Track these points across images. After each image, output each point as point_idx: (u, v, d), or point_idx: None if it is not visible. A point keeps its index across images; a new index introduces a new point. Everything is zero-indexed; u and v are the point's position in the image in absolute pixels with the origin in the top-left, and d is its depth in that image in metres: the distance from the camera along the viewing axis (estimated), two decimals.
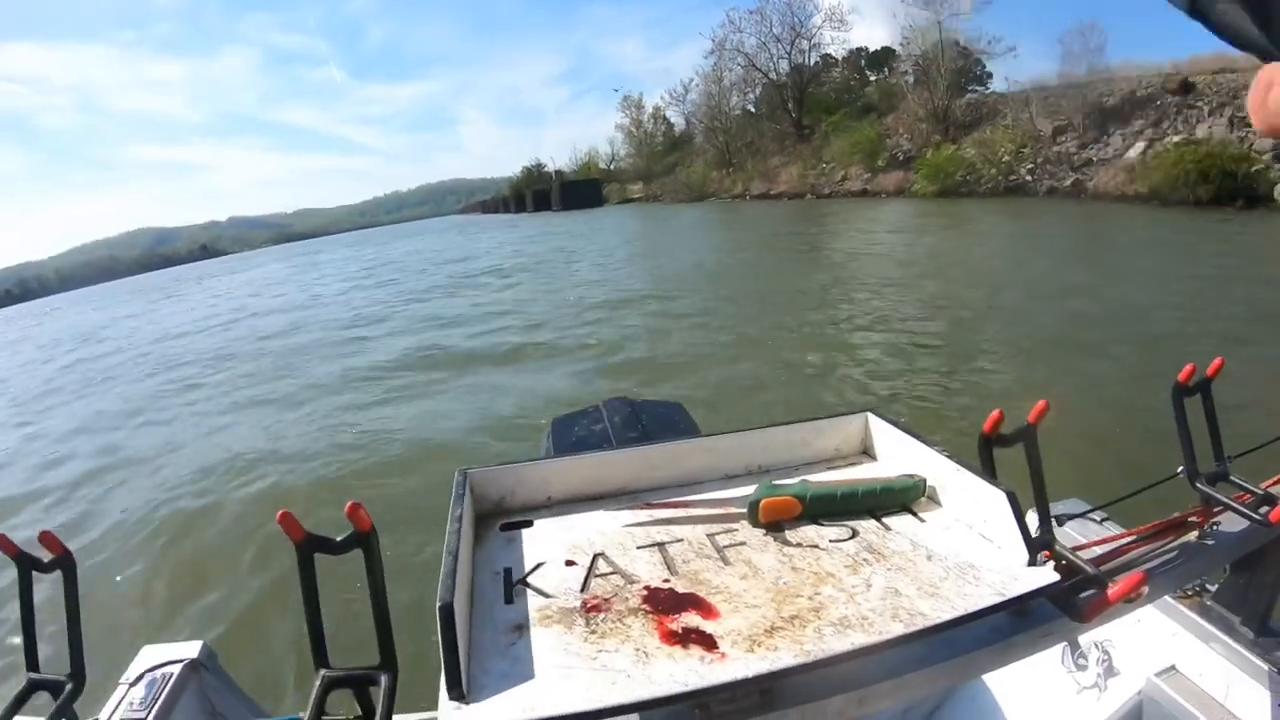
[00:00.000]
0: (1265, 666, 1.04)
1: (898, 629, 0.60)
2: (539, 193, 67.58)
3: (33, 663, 0.70)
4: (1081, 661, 1.29)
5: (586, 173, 65.94)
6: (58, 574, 0.71)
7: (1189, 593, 1.16)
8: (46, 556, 0.70)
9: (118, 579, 4.17)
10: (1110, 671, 1.24)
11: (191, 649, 0.89)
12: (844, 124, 35.01)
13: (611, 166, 64.07)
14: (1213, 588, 1.14)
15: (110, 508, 5.47)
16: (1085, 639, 1.28)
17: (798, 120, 40.37)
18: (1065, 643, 1.30)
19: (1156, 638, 1.18)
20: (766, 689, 0.62)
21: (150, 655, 0.88)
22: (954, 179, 25.27)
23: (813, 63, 42.57)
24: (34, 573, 0.69)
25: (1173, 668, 1.15)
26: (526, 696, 0.55)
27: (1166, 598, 1.16)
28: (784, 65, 43.15)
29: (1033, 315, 7.99)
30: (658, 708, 0.55)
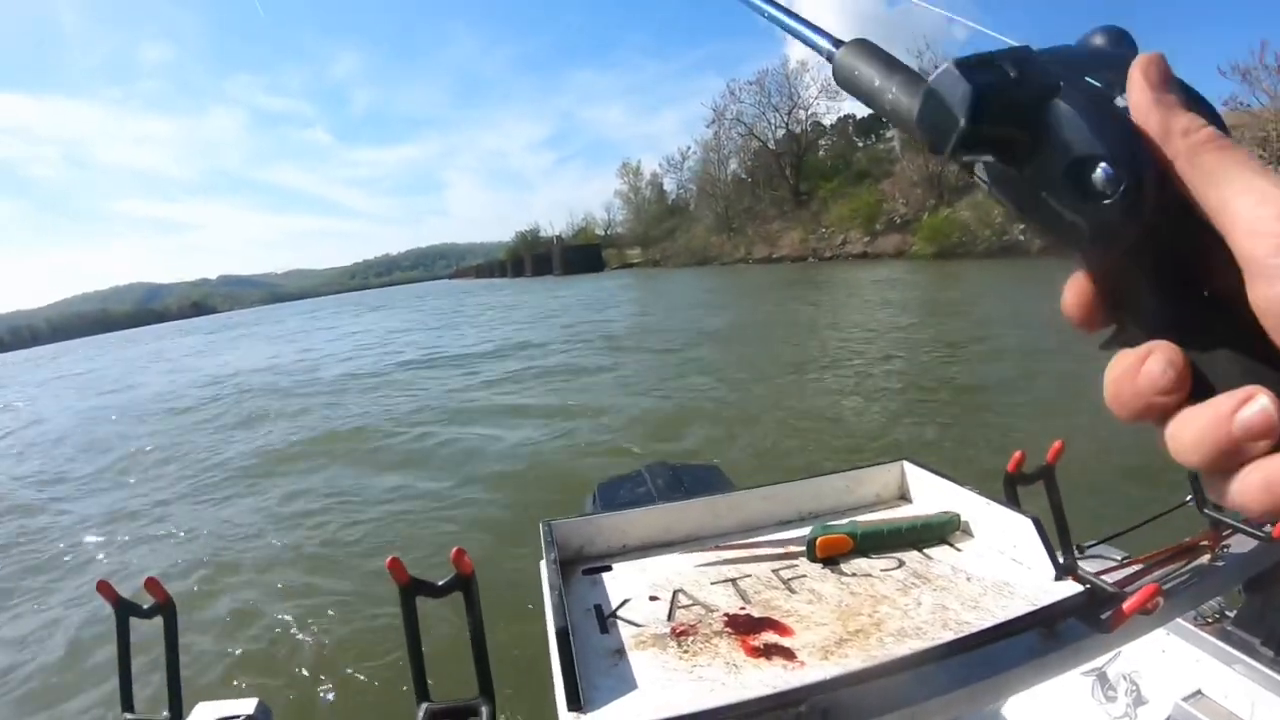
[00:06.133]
0: None
1: (949, 636, 0.71)
2: (538, 257, 68.53)
3: (128, 704, 0.75)
4: (1111, 694, 1.33)
5: (585, 238, 67.04)
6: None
7: (1210, 620, 1.23)
8: (147, 602, 0.74)
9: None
10: (1139, 701, 1.28)
11: (247, 705, 0.86)
12: (841, 190, 36.00)
13: (608, 231, 65.17)
14: (1232, 614, 1.21)
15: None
16: (1114, 672, 1.34)
17: (795, 186, 41.55)
18: (1095, 677, 1.35)
19: (1181, 665, 1.23)
20: (825, 709, 0.69)
21: (204, 712, 0.85)
22: (951, 240, 25.84)
23: (806, 130, 44.06)
24: (132, 619, 0.73)
25: (1199, 692, 1.20)
26: (636, 705, 0.65)
27: (1189, 626, 1.22)
28: (781, 133, 44.75)
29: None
30: (757, 710, 0.63)
